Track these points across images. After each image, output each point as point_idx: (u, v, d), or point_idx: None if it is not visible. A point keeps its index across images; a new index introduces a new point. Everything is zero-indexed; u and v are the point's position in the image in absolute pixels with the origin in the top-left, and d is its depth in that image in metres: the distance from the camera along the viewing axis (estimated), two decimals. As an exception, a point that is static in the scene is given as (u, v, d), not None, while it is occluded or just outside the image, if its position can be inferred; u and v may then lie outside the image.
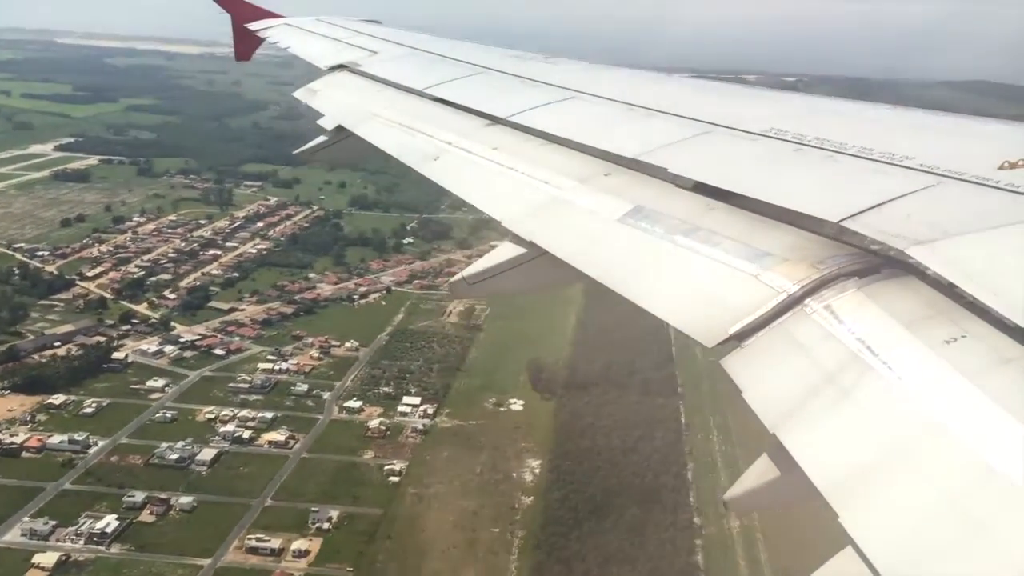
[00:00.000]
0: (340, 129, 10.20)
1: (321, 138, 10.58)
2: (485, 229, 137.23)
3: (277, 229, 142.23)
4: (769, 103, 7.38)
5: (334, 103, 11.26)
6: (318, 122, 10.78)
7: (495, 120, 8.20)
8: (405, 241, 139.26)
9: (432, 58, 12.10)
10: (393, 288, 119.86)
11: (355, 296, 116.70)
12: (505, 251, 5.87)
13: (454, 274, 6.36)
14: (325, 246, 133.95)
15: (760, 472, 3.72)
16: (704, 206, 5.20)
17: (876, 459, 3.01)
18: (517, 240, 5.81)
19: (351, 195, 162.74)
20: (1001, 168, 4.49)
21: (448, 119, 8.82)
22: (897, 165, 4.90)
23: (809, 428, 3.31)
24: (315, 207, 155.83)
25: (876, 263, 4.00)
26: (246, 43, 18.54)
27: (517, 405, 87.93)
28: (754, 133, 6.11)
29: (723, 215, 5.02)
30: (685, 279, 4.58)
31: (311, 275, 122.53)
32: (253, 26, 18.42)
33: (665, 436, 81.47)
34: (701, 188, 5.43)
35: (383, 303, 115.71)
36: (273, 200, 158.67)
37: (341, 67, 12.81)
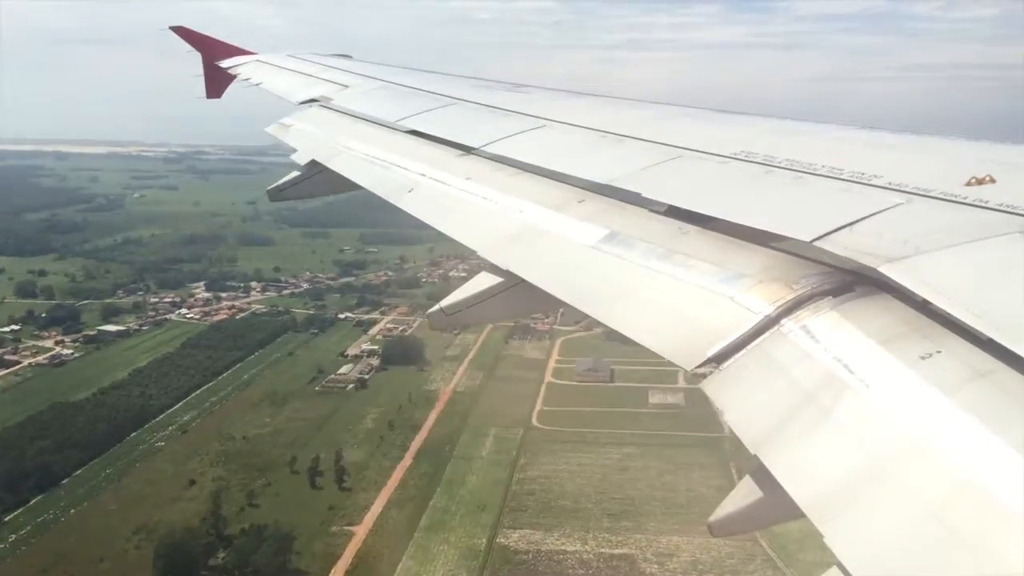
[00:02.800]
0: (313, 164, 10.18)
1: (294, 173, 10.55)
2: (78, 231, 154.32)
3: None
4: (739, 126, 7.45)
5: (306, 137, 11.25)
6: (291, 157, 10.75)
7: (468, 150, 8.21)
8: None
9: (403, 90, 12.14)
10: None
11: None
12: (482, 281, 5.84)
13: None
14: None
15: (743, 494, 3.70)
16: (678, 230, 5.21)
17: (857, 476, 3.00)
18: (494, 269, 5.80)
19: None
20: (968, 184, 4.56)
21: (421, 150, 8.82)
22: (867, 184, 4.95)
23: (790, 448, 3.29)
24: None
25: (850, 281, 4.02)
26: (217, 81, 18.54)
27: None
28: (725, 156, 6.16)
29: (697, 238, 5.03)
30: (662, 303, 4.58)
31: None
32: (224, 63, 18.43)
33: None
34: (674, 212, 5.45)
35: None
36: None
37: (313, 101, 12.82)
